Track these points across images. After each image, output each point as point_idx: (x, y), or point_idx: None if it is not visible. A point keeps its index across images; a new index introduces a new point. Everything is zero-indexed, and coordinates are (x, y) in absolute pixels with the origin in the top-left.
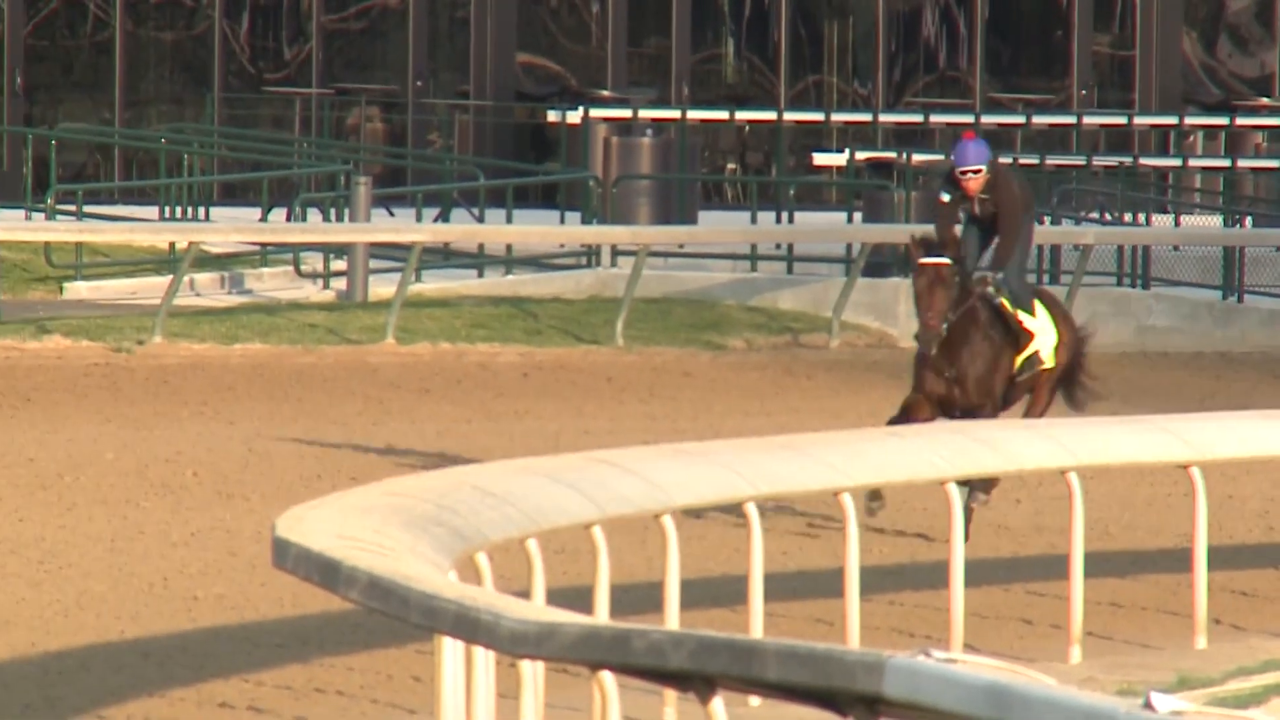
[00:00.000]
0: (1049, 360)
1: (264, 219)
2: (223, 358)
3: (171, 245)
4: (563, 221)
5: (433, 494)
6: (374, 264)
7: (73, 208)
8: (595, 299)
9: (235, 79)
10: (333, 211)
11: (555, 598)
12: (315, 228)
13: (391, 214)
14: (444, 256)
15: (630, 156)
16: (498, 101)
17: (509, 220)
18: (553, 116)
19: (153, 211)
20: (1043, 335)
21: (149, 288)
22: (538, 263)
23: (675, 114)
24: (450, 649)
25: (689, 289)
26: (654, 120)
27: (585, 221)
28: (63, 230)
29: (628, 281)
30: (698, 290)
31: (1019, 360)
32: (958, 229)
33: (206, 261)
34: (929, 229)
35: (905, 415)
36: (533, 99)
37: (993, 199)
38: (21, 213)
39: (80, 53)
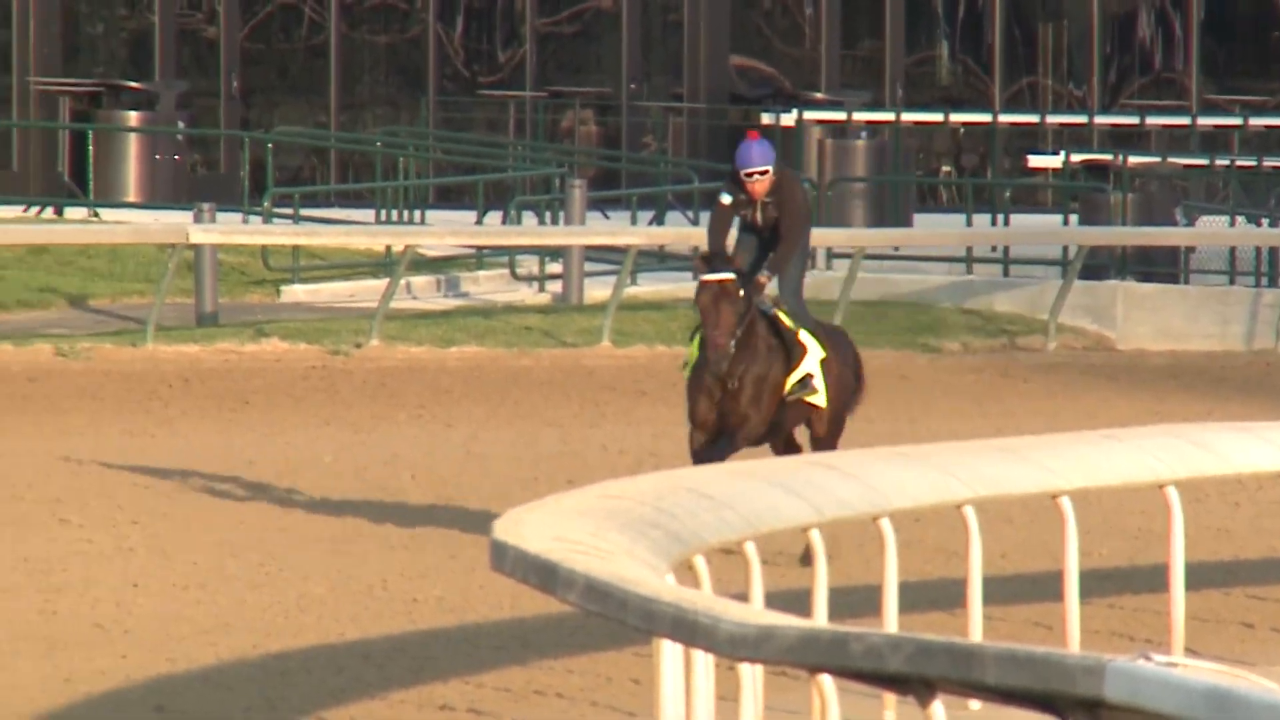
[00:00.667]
0: (821, 393)
1: (479, 222)
2: (439, 360)
3: (388, 248)
4: None
5: (649, 497)
6: (589, 267)
7: (289, 211)
8: (810, 302)
9: (449, 82)
10: (548, 214)
11: (773, 601)
12: (530, 231)
13: (606, 216)
14: (659, 259)
15: (845, 159)
16: (711, 104)
17: None
18: (766, 119)
19: (368, 214)
20: (815, 356)
21: (365, 291)
22: None
23: (889, 116)
24: (669, 652)
25: (904, 292)
26: (868, 123)
27: None
28: (279, 233)
29: (843, 284)
30: (913, 293)
31: (789, 381)
32: (732, 235)
33: (422, 265)
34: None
35: (701, 455)
36: (746, 101)
37: (776, 203)
38: (239, 216)
39: (296, 56)
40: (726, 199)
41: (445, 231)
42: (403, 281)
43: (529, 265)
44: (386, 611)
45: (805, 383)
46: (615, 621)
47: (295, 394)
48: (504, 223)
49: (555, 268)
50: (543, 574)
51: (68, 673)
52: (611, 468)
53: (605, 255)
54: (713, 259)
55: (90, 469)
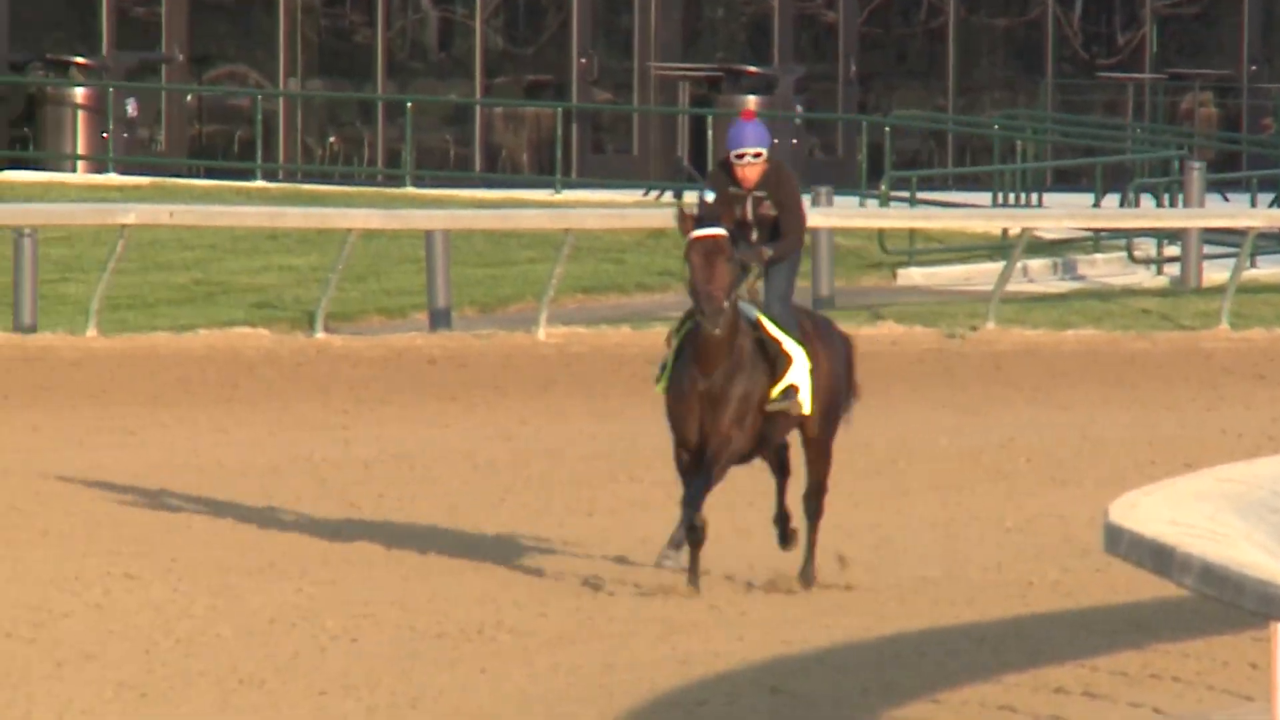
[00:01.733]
0: (807, 403)
1: (1096, 205)
2: (1055, 344)
3: (1004, 231)
4: None
5: (1268, 481)
6: (1207, 249)
7: (906, 194)
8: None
9: (1067, 64)
10: (1166, 197)
11: None
12: (1148, 213)
13: (1225, 199)
14: (1278, 241)
15: None
16: None
17: None
18: None
19: (985, 198)
20: (801, 365)
21: (981, 274)
22: None
23: None
24: None
25: None
26: None
27: None
28: (896, 217)
29: None
30: None
31: (775, 390)
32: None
33: (1039, 248)
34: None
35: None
36: None
37: (773, 198)
38: (856, 200)
39: (913, 40)
40: (711, 196)
41: (1062, 214)
42: (1019, 264)
43: (1146, 248)
44: (1000, 595)
45: (789, 394)
46: (1231, 606)
47: (910, 376)
48: (1121, 205)
49: (1173, 251)
50: (1157, 557)
51: (684, 654)
52: (1229, 452)
53: (1224, 238)
54: (701, 218)
55: None
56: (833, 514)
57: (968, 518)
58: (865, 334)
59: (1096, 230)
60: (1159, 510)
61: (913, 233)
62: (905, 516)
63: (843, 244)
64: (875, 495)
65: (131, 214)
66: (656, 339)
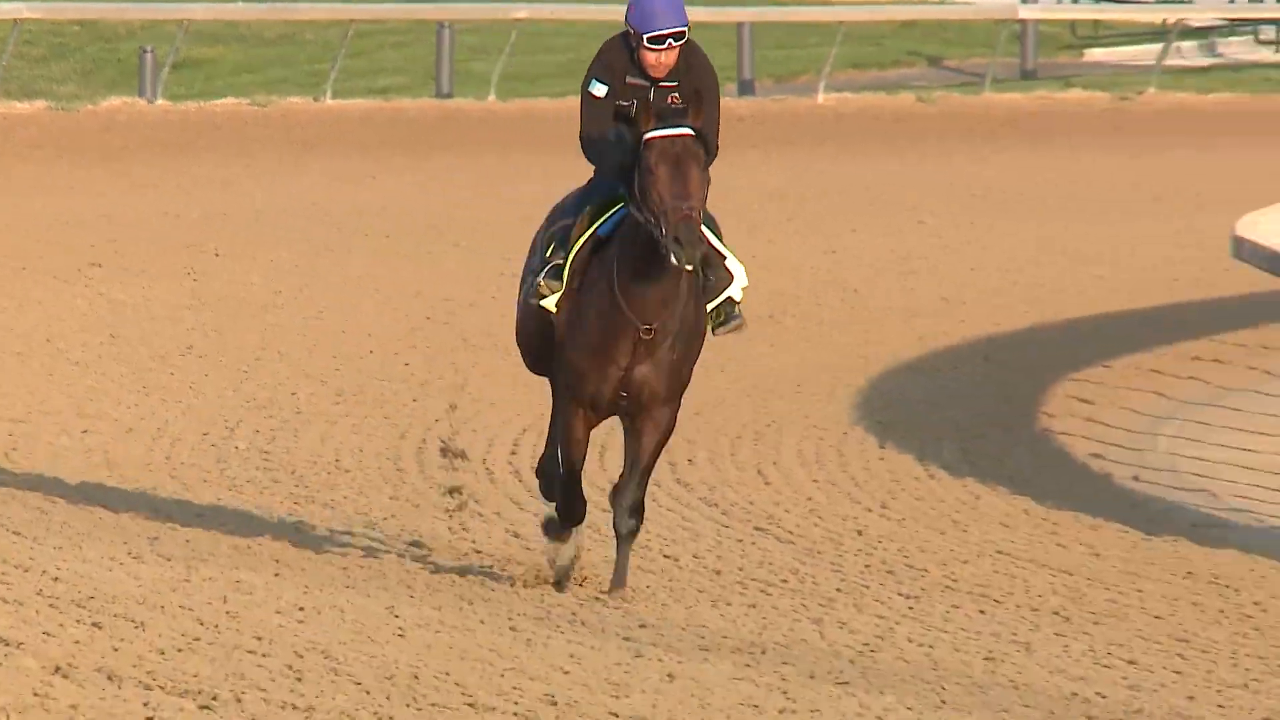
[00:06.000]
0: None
1: (1233, 1)
2: (1200, 104)
3: (1163, 20)
4: None
5: None
6: None
7: None
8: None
9: None
10: None
11: None
12: (1269, 6)
13: None
14: None
15: None
16: None
17: None
18: None
19: None
20: (740, 277)
21: (1146, 53)
22: None
23: None
24: None
25: None
26: None
27: None
28: (1083, 11)
29: None
30: None
31: (711, 310)
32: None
33: (1190, 33)
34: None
35: (570, 459)
36: None
37: (684, 89)
38: None
39: None
40: (600, 89)
41: (1205, 7)
42: (1174, 45)
43: (1268, 33)
44: (1155, 288)
45: (731, 311)
46: None
47: (1092, 129)
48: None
49: None
50: (1272, 261)
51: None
52: None
53: None
54: (660, 114)
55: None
56: (1063, 229)
57: (1137, 233)
58: (1058, 97)
59: (1231, 19)
60: (1274, 225)
61: (1096, 22)
62: (1088, 234)
63: (1044, 31)
64: (1062, 218)
65: (523, 10)
66: (909, 101)
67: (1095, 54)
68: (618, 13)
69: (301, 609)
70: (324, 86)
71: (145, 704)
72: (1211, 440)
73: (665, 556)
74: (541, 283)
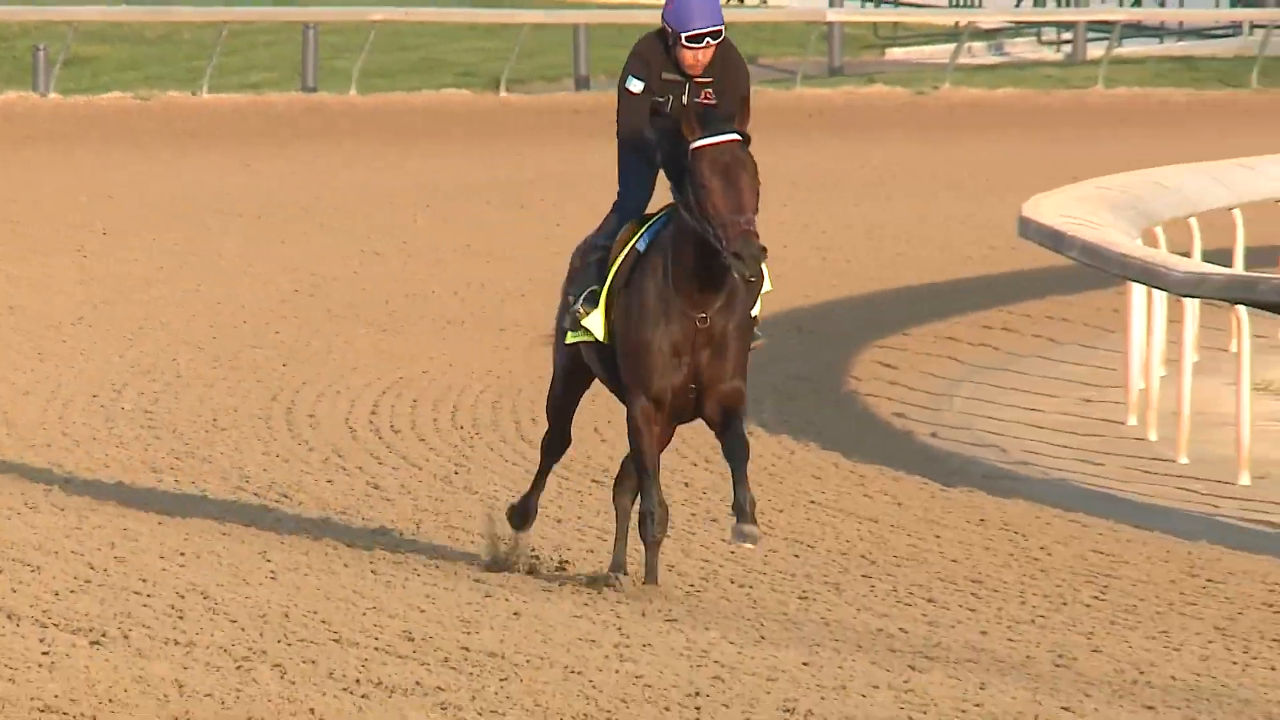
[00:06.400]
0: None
1: (1018, 5)
2: (990, 98)
3: (956, 23)
4: None
5: (1129, 188)
6: (1090, 35)
7: (892, 0)
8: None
9: None
10: None
11: (1207, 258)
12: (1050, 11)
13: None
14: (1139, 30)
15: None
16: None
17: None
18: None
19: (944, 0)
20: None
21: (941, 52)
22: None
23: None
24: (1136, 292)
25: None
26: None
27: None
28: (885, 14)
29: None
30: None
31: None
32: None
33: (979, 34)
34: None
35: (645, 461)
36: None
37: (717, 85)
38: (858, 2)
39: None
40: (636, 85)
41: (995, 11)
42: (966, 45)
43: (1050, 34)
44: (949, 265)
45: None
46: (1102, 271)
47: (893, 121)
48: (1035, 5)
49: (1067, 35)
50: (1054, 239)
51: None
52: (1105, 169)
53: (1101, 27)
54: (705, 119)
55: None
56: (868, 211)
57: (933, 215)
58: (862, 92)
59: (1016, 22)
60: (1055, 207)
61: (896, 24)
62: (890, 215)
63: (849, 32)
64: (866, 201)
65: (379, 13)
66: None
67: (895, 53)
68: (463, 15)
69: (182, 554)
70: (201, 82)
71: (41, 640)
72: (1002, 401)
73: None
74: (580, 309)
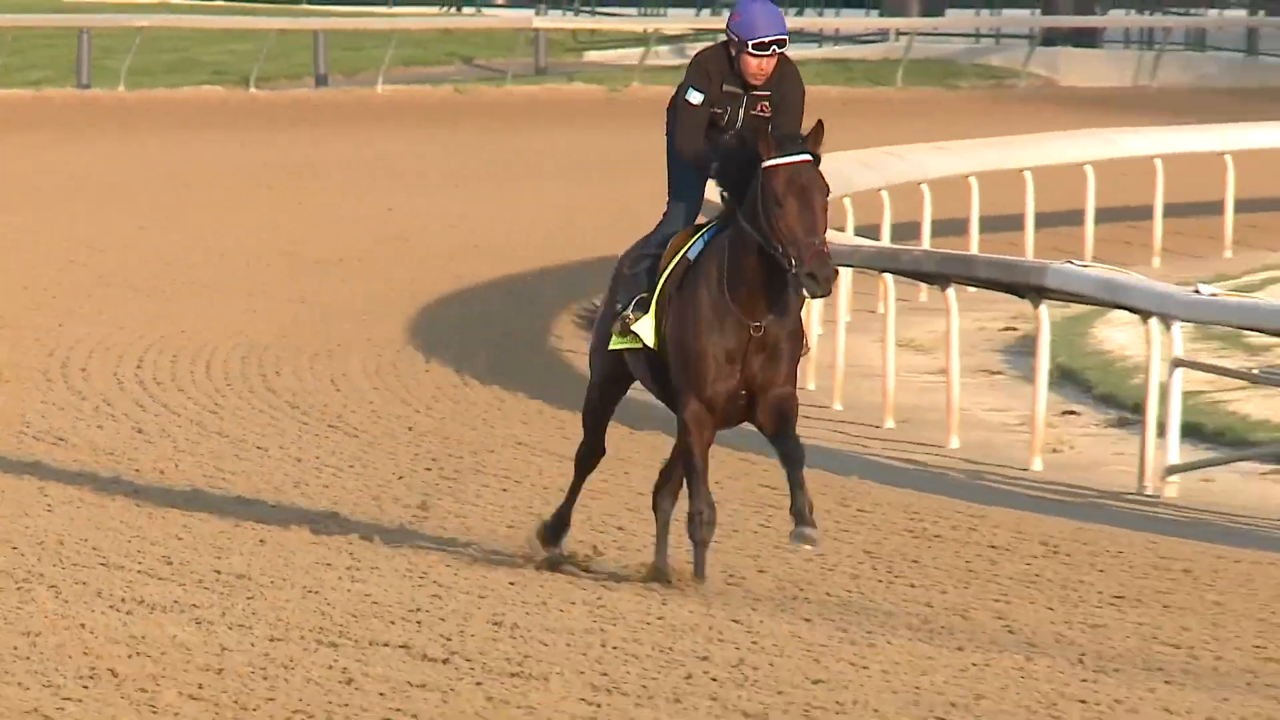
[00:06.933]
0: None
1: (698, 13)
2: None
3: (645, 30)
4: None
5: None
6: None
7: (589, 8)
8: (883, 61)
9: None
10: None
11: (858, 232)
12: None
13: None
14: None
15: None
16: None
17: None
18: None
19: (634, 10)
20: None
21: (632, 55)
22: None
23: None
24: None
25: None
26: None
27: None
28: (583, 21)
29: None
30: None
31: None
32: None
33: (664, 39)
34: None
35: (693, 453)
36: None
37: (775, 97)
38: (560, 11)
39: None
40: (697, 97)
41: (677, 20)
42: (653, 49)
43: None
44: None
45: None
46: None
47: (588, 113)
48: (697, 15)
49: None
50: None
51: None
52: None
53: None
54: (781, 139)
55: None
56: (566, 189)
57: (626, 194)
58: (564, 89)
59: (696, 29)
60: None
61: (593, 30)
62: (578, 193)
63: (552, 37)
64: (558, 180)
65: (144, 20)
66: (447, 91)
67: (592, 55)
68: (218, 22)
69: None
70: None
71: None
72: None
73: (258, 448)
74: (630, 315)
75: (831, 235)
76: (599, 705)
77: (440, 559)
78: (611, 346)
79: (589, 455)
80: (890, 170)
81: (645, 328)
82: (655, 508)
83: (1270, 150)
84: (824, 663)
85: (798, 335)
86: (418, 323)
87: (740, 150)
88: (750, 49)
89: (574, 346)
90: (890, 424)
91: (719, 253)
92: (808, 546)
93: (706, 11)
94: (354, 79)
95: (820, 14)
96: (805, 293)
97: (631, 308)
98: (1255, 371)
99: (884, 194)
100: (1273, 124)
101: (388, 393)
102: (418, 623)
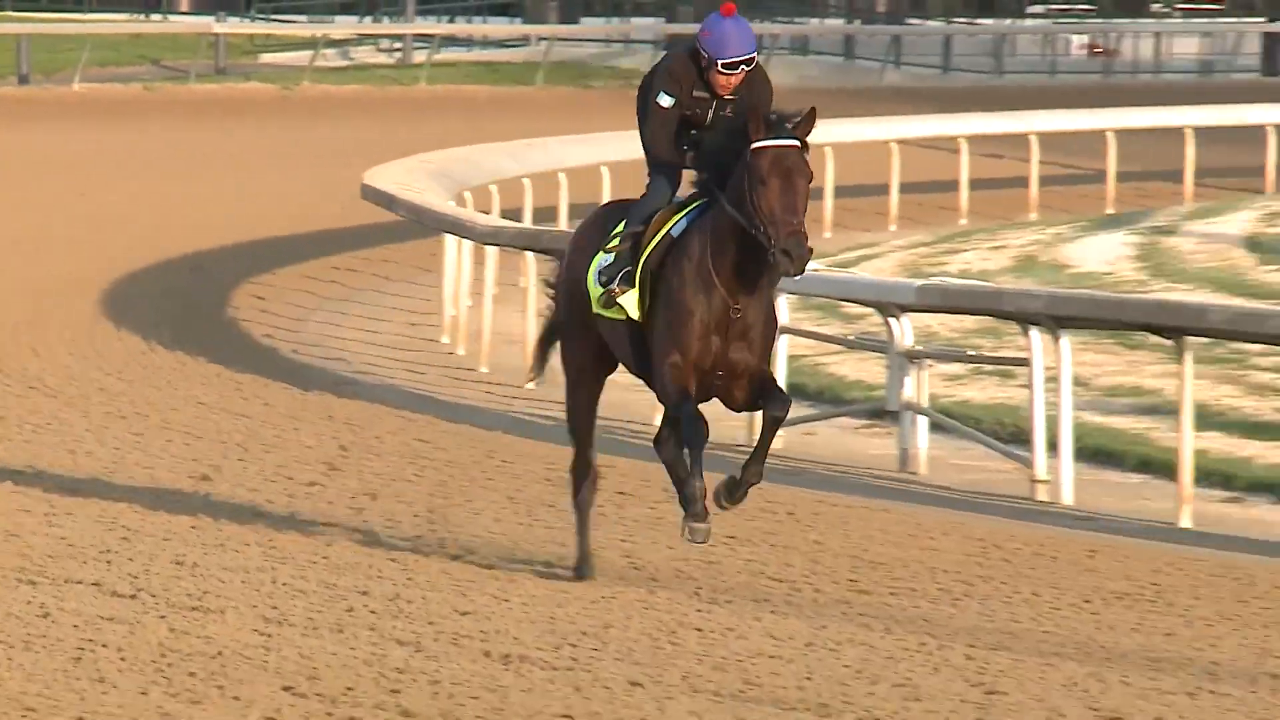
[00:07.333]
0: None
1: (371, 20)
2: (340, 92)
3: (313, 35)
4: None
5: (444, 162)
6: (416, 44)
7: (267, 17)
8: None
9: None
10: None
11: (504, 216)
12: (392, 26)
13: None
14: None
15: None
16: None
17: None
18: None
19: (299, 17)
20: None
21: (302, 56)
22: None
23: None
24: (449, 241)
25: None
26: None
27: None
28: (262, 26)
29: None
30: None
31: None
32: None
33: (331, 43)
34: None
35: (694, 418)
36: None
37: (740, 101)
38: (238, 18)
39: None
40: (667, 101)
41: (343, 27)
42: (321, 52)
43: (385, 44)
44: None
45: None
46: (420, 224)
47: (264, 110)
48: (374, 21)
49: (399, 45)
50: (387, 200)
51: None
52: (438, 145)
53: (426, 40)
54: (771, 122)
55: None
56: (248, 178)
57: (297, 181)
58: (241, 87)
59: (360, 34)
60: (388, 176)
61: (268, 35)
62: (263, 181)
63: (231, 41)
64: (246, 171)
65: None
66: (137, 90)
67: (267, 57)
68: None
69: None
70: None
71: None
72: (347, 325)
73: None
74: (616, 287)
75: (480, 219)
76: (269, 635)
77: (129, 506)
78: (595, 310)
79: (582, 470)
80: (532, 160)
81: (630, 300)
82: (661, 455)
83: (865, 143)
84: (470, 596)
85: (773, 320)
86: (113, 297)
87: (727, 135)
88: (720, 67)
89: (250, 317)
90: (530, 385)
91: (702, 232)
92: (698, 542)
93: (369, 19)
94: (53, 78)
95: (470, 21)
96: (780, 270)
97: (617, 281)
98: (850, 338)
99: (526, 181)
100: (867, 120)
101: (83, 359)
102: (108, 563)
